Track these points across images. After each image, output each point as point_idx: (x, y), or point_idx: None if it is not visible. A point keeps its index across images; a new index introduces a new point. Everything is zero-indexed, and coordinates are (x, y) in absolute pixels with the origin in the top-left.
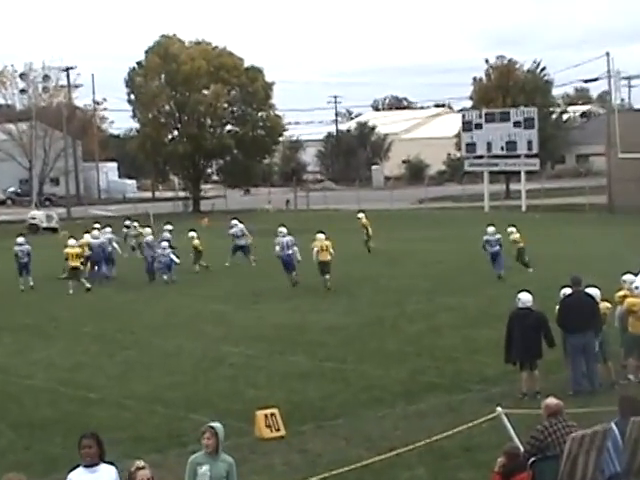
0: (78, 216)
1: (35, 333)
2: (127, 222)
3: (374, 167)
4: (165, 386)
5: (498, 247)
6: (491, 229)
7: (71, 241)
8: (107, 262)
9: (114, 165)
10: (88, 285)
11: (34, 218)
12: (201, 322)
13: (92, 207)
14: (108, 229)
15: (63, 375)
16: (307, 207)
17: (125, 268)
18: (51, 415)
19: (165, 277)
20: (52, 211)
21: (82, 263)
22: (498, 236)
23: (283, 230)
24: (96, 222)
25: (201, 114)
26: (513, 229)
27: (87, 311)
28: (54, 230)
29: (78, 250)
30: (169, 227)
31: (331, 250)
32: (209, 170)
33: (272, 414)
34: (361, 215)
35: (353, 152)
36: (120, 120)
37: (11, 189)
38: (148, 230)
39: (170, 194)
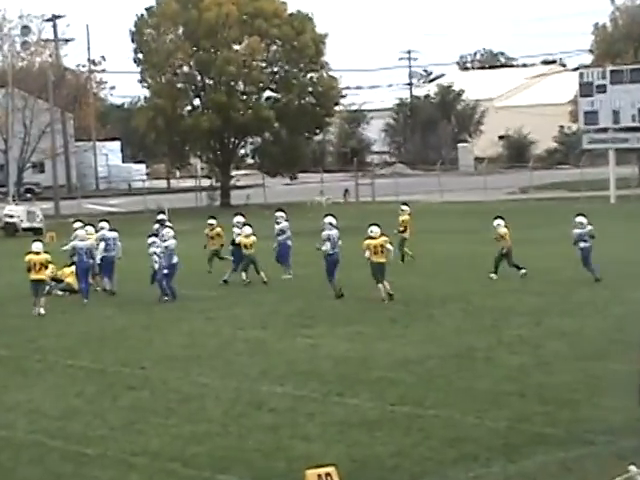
0: (69, 213)
1: (12, 368)
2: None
3: (461, 145)
4: (185, 438)
5: (589, 242)
6: (582, 219)
7: (36, 245)
8: (106, 272)
9: (116, 145)
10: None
11: (11, 216)
12: (232, 353)
13: (88, 200)
14: (104, 225)
15: (51, 424)
16: (372, 198)
17: (129, 280)
18: (36, 477)
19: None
20: (35, 206)
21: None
22: (590, 228)
23: (332, 221)
24: (77, 220)
25: (231, 77)
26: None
27: (81, 338)
28: (37, 231)
29: (43, 257)
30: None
31: (388, 246)
32: (242, 151)
33: (327, 475)
34: (405, 208)
35: (433, 125)
36: (124, 86)
37: None
38: (169, 233)
39: (191, 183)
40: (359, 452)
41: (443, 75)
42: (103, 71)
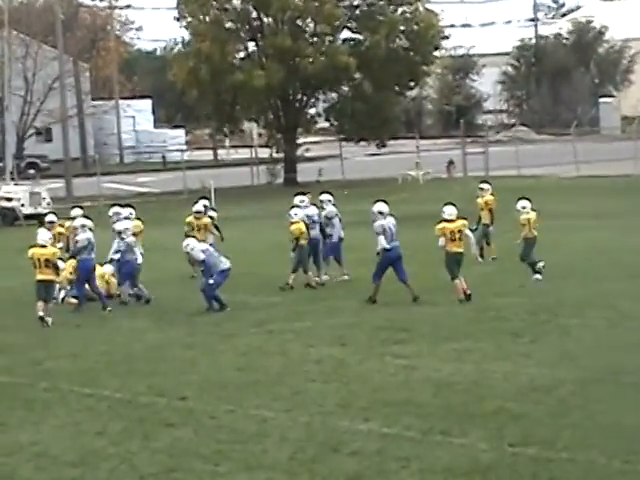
0: (85, 194)
1: (13, 399)
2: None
3: (604, 101)
4: None
5: None
6: None
7: (41, 235)
8: (127, 277)
9: (146, 105)
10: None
11: (9, 199)
12: (302, 379)
13: (109, 178)
14: (128, 212)
15: (64, 473)
16: (485, 172)
17: (165, 283)
18: None
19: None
20: (40, 186)
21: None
22: None
23: (383, 208)
24: (76, 206)
25: (297, 13)
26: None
27: (102, 360)
28: (43, 218)
29: (51, 251)
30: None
31: (467, 232)
32: (312, 111)
33: None
34: (486, 186)
35: (566, 75)
36: (156, 27)
37: None
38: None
39: (244, 154)
40: None
41: (579, 7)
42: (128, 7)
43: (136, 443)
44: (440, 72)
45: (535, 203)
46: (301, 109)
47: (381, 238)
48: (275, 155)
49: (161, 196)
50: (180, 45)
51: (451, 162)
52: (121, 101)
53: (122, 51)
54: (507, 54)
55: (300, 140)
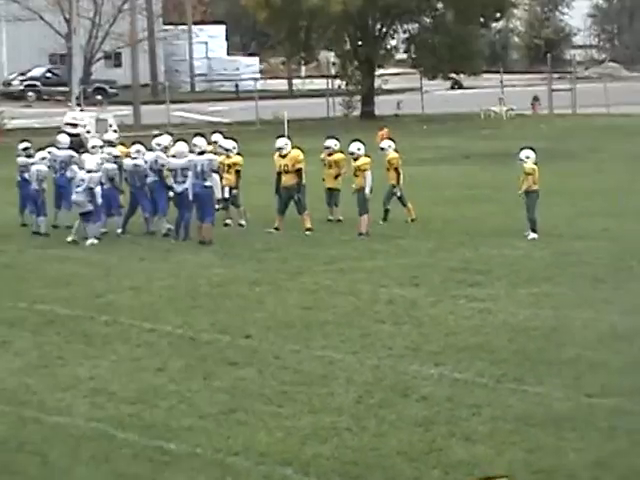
0: (154, 122)
1: (72, 332)
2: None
3: None
4: (304, 434)
5: None
6: None
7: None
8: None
9: (220, 31)
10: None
11: (75, 125)
12: (371, 320)
13: (179, 106)
14: (232, 145)
15: (122, 410)
16: (572, 110)
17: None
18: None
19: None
20: (107, 113)
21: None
22: None
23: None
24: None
25: None
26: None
27: (165, 295)
28: (109, 146)
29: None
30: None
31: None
32: (391, 42)
33: None
34: (527, 156)
35: None
36: None
37: (34, 72)
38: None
39: (320, 85)
40: (542, 460)
41: None
42: None
43: (196, 382)
44: (528, 3)
45: (626, 143)
46: (379, 40)
47: None
48: (352, 87)
49: (232, 126)
50: None
51: (536, 98)
52: (193, 27)
53: None
54: None
55: (378, 72)
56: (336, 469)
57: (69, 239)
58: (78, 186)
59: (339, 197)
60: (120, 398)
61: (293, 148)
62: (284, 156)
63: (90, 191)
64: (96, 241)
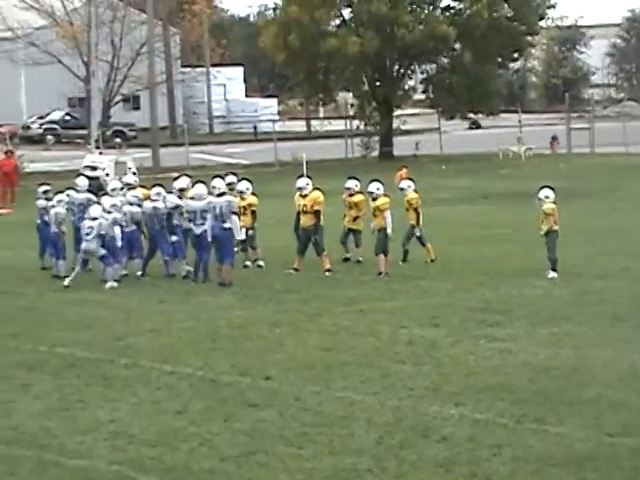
0: (173, 165)
1: (92, 375)
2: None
3: None
4: (325, 476)
5: None
6: None
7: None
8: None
9: (238, 73)
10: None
11: (94, 168)
12: (391, 361)
13: (198, 148)
14: (245, 186)
15: (143, 453)
16: (590, 149)
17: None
18: None
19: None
20: (126, 156)
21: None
22: None
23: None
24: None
25: None
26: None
27: (185, 337)
28: (129, 189)
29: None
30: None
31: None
32: (408, 83)
33: None
34: (546, 195)
35: None
36: None
37: (53, 116)
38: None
39: (338, 126)
40: None
41: None
42: None
43: (217, 424)
44: (546, 43)
45: None
46: (397, 80)
47: None
48: (370, 128)
49: (250, 168)
50: (271, 10)
51: (555, 138)
52: (212, 68)
53: (211, 15)
54: (617, 25)
55: (396, 112)
56: None
57: (65, 283)
58: (88, 234)
59: (361, 238)
60: (140, 441)
61: (314, 189)
62: (304, 196)
63: (100, 238)
64: (116, 284)
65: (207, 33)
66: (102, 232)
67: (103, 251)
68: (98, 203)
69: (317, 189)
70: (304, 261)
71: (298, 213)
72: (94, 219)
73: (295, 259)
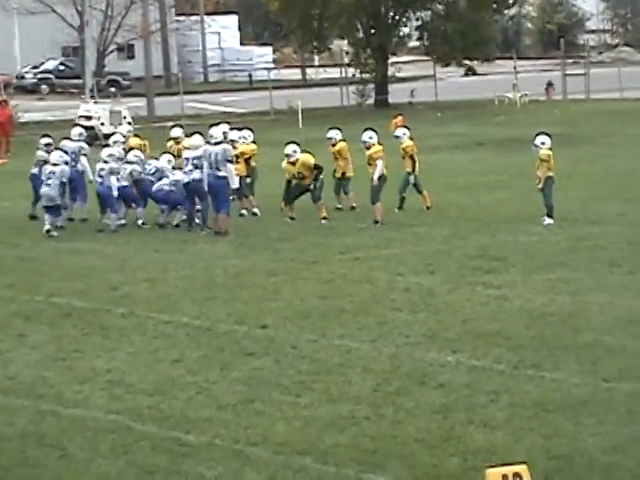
0: (167, 114)
1: (89, 324)
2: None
3: None
4: (322, 424)
5: None
6: None
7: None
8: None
9: (232, 21)
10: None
11: (88, 117)
12: (388, 308)
13: (193, 97)
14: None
15: (139, 402)
16: (586, 95)
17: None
18: (118, 473)
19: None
20: (121, 105)
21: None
22: None
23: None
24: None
25: None
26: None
27: (181, 286)
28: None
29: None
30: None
31: None
32: (403, 30)
33: (516, 475)
34: (542, 141)
35: None
36: None
37: (48, 65)
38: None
39: (334, 74)
40: (560, 445)
41: None
42: None
43: (214, 372)
44: None
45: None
46: (392, 27)
47: None
48: (365, 76)
49: (246, 116)
50: None
51: (550, 84)
52: (206, 17)
53: None
54: None
55: (391, 60)
56: (354, 458)
57: (45, 229)
58: (49, 179)
59: (349, 185)
60: (138, 390)
61: (303, 152)
62: (293, 163)
63: (62, 185)
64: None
65: None
66: (63, 179)
67: (59, 201)
68: (61, 149)
69: (305, 151)
70: (300, 209)
71: (288, 181)
72: (55, 165)
73: (286, 209)
